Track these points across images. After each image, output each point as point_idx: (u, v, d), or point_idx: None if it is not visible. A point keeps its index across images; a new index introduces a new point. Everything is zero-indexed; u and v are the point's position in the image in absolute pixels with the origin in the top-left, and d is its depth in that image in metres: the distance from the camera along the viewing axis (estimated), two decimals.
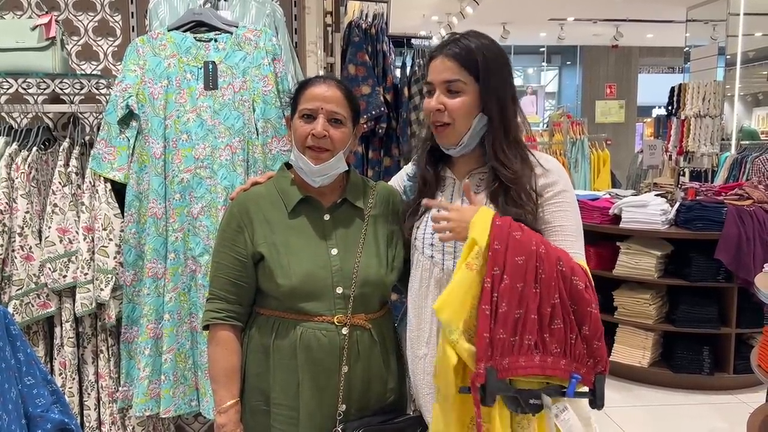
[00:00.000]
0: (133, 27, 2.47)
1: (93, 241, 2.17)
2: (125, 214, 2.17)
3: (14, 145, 2.19)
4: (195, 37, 2.19)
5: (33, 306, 2.14)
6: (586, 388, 1.36)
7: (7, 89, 2.45)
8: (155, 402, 2.18)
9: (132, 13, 2.47)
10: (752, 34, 7.22)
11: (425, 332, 1.58)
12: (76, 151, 2.23)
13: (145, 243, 2.16)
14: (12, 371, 1.30)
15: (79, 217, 2.17)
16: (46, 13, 2.34)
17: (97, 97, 2.45)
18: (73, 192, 2.18)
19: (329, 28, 3.04)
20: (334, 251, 1.57)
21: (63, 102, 2.41)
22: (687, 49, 8.29)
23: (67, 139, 2.25)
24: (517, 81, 13.29)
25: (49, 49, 2.21)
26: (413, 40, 3.57)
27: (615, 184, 7.56)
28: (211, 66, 2.16)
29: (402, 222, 1.66)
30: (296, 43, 2.52)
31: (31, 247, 2.13)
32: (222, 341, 1.58)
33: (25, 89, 2.45)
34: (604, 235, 4.35)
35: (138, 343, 2.19)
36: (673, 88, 7.17)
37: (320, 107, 1.54)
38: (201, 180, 2.13)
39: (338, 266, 1.56)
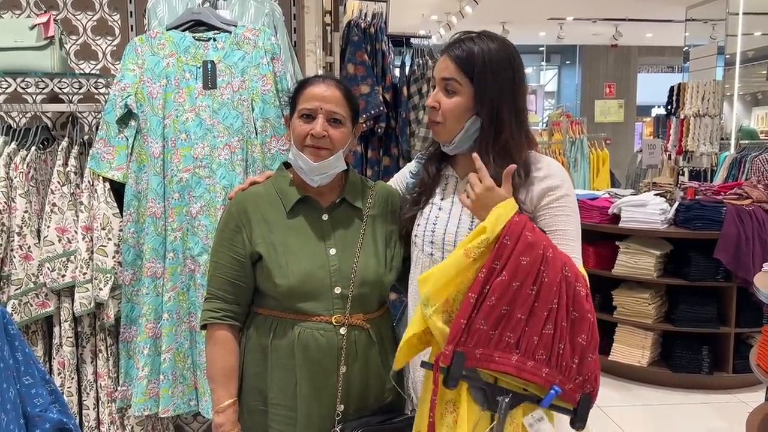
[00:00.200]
0: (131, 26, 2.47)
1: (92, 240, 2.17)
2: (124, 213, 2.17)
3: (13, 145, 2.19)
4: (194, 37, 2.19)
5: (32, 305, 2.14)
6: (570, 406, 1.33)
7: (6, 88, 2.45)
8: (154, 401, 2.17)
9: (131, 12, 2.46)
10: (751, 34, 7.22)
11: None
12: (74, 150, 2.22)
13: (143, 242, 2.15)
14: (10, 371, 1.30)
15: (77, 216, 2.17)
16: (45, 12, 2.33)
17: (95, 96, 2.45)
18: (71, 191, 2.18)
19: (328, 28, 3.03)
20: (333, 251, 1.57)
21: (62, 101, 2.41)
22: (686, 48, 8.30)
23: (66, 139, 2.25)
24: None
25: (48, 48, 2.21)
26: (412, 40, 3.57)
27: (614, 183, 7.56)
28: (209, 65, 2.15)
29: (400, 212, 1.66)
30: (295, 42, 2.52)
31: (29, 247, 2.13)
32: (220, 341, 1.58)
33: (23, 88, 2.45)
34: (604, 235, 4.35)
35: (137, 343, 2.19)
36: (672, 88, 7.17)
37: (319, 107, 1.54)
38: (200, 179, 2.12)
39: (336, 266, 1.56)
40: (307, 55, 2.49)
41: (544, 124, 9.10)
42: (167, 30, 2.20)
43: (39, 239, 2.15)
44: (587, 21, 10.38)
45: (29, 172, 2.16)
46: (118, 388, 2.23)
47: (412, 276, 1.64)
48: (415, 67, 3.32)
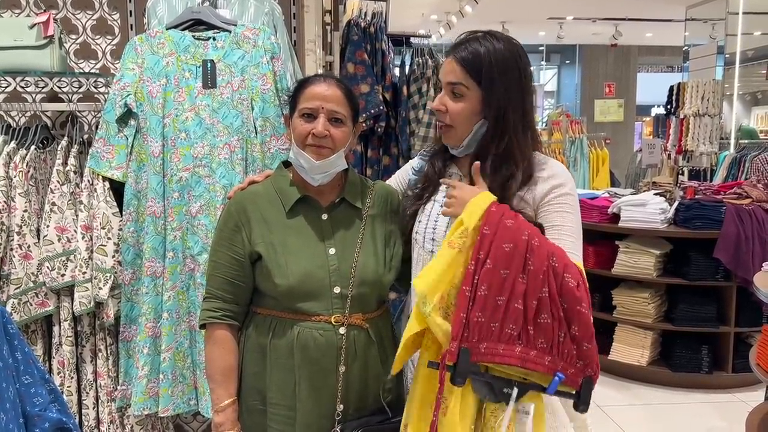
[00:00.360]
0: (131, 25, 2.47)
1: (91, 239, 2.17)
2: (124, 212, 2.17)
3: (12, 144, 2.19)
4: (193, 36, 2.19)
5: (31, 305, 2.14)
6: (572, 390, 1.33)
7: (6, 88, 2.44)
8: (154, 401, 2.17)
9: (130, 11, 2.46)
10: (751, 33, 7.22)
11: None
12: (74, 149, 2.22)
13: (143, 242, 2.15)
14: (10, 370, 1.30)
15: (77, 215, 2.17)
16: (45, 11, 2.33)
17: (95, 95, 2.45)
18: (71, 191, 2.18)
19: (328, 27, 3.04)
20: (332, 251, 1.57)
21: (61, 100, 2.41)
22: (686, 48, 8.30)
23: (66, 138, 2.25)
24: None
25: (48, 47, 2.21)
26: (412, 39, 3.57)
27: (614, 183, 7.56)
28: (209, 64, 2.15)
29: (402, 208, 1.66)
30: (295, 41, 2.51)
31: (29, 246, 2.13)
32: (219, 340, 1.58)
33: (23, 88, 2.45)
34: (603, 234, 4.35)
35: (136, 342, 2.19)
36: (672, 87, 7.18)
37: (321, 106, 1.54)
38: (199, 179, 2.12)
39: (336, 266, 1.56)
40: (306, 54, 2.49)
41: (544, 124, 9.10)
42: (167, 29, 2.20)
43: (38, 238, 2.15)
44: (587, 20, 10.38)
45: (29, 171, 2.16)
46: (118, 387, 2.23)
47: (413, 273, 1.64)
48: (415, 67, 3.33)
